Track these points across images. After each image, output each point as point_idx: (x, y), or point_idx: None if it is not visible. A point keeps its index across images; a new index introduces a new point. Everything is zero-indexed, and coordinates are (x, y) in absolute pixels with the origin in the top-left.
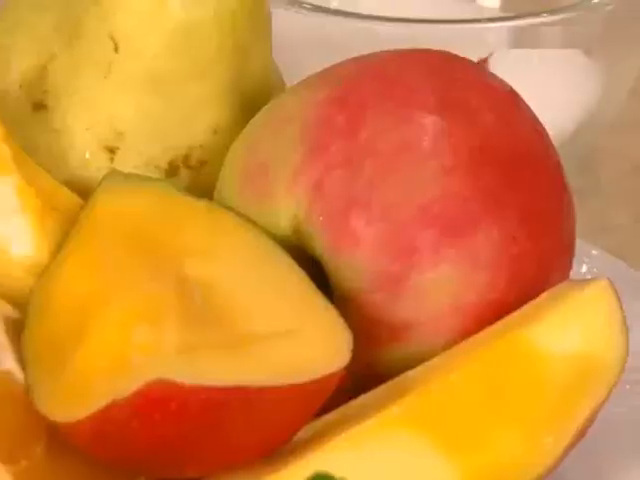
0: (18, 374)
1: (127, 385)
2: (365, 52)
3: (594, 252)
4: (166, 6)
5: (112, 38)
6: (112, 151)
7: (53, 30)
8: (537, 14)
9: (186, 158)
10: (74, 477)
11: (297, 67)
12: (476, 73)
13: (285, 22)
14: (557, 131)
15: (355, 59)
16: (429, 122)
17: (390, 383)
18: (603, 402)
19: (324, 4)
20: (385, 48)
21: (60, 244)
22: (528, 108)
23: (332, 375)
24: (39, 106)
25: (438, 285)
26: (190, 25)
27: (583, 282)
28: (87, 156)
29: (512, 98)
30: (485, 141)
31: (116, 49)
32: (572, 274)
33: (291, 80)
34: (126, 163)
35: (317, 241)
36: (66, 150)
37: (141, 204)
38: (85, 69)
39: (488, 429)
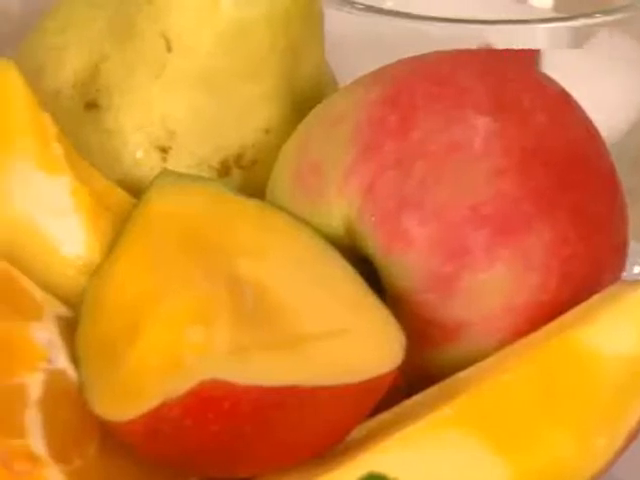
0: (71, 373)
1: (180, 384)
2: (417, 52)
3: None
4: (219, 5)
5: (165, 37)
6: (164, 150)
7: (106, 29)
8: (590, 14)
9: (238, 158)
10: (126, 477)
11: (349, 67)
12: (528, 74)
13: (337, 22)
14: (610, 132)
15: (407, 59)
16: (481, 123)
17: (442, 384)
18: None
19: (376, 4)
20: (437, 48)
21: (112, 243)
22: (580, 109)
23: (385, 375)
24: (92, 105)
25: (490, 286)
26: (243, 24)
27: (636, 283)
28: (139, 155)
29: (564, 99)
30: (537, 142)
31: (169, 48)
32: (625, 275)
33: (343, 80)
34: (178, 163)
35: (369, 241)
36: (119, 149)
37: (193, 204)
38: (137, 68)
39: (540, 430)
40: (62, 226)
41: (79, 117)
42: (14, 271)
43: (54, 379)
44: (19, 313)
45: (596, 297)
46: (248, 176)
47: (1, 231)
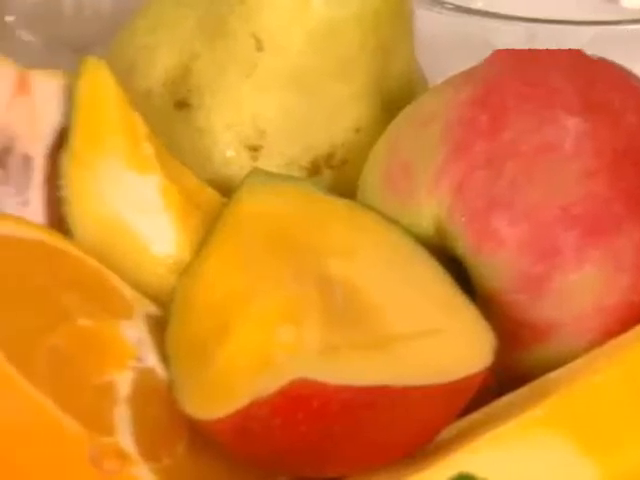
0: (160, 372)
1: (269, 384)
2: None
3: None
4: (310, 5)
5: (256, 37)
6: (255, 149)
7: (196, 29)
8: None
9: (328, 157)
10: (214, 476)
11: (439, 67)
12: (618, 74)
13: (427, 22)
14: None
15: (497, 59)
16: (572, 124)
17: (532, 384)
18: None
19: (466, 4)
20: (527, 48)
21: (202, 242)
22: None
23: (475, 375)
24: (182, 104)
25: (581, 286)
26: (333, 24)
27: None
28: (230, 154)
29: None
30: (628, 143)
31: (259, 48)
32: None
33: (433, 80)
34: (269, 162)
35: (459, 241)
36: (209, 148)
37: (283, 203)
38: (228, 68)
39: (630, 431)
40: (152, 224)
41: (169, 116)
42: (105, 270)
43: (143, 377)
44: (109, 312)
45: None
46: (338, 176)
47: (92, 230)
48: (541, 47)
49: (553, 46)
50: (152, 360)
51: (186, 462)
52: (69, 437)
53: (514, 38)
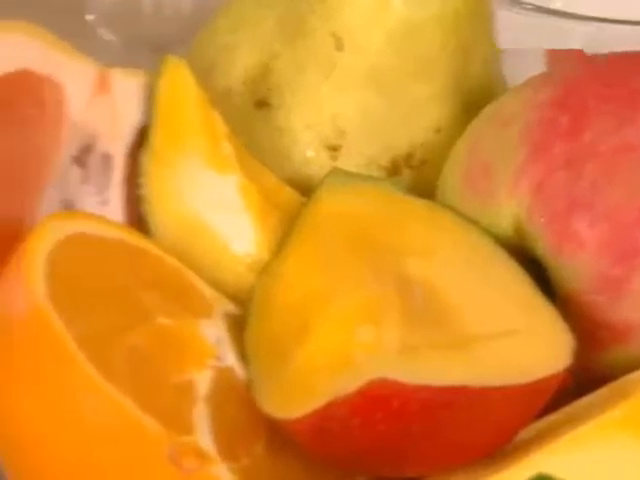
0: (239, 371)
1: (349, 383)
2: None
3: None
4: (390, 5)
5: (335, 36)
6: (334, 149)
7: (276, 28)
8: None
9: (408, 157)
10: (292, 475)
11: (519, 68)
12: None
13: (507, 23)
14: None
15: (577, 60)
16: None
17: (611, 385)
18: None
19: (545, 4)
20: (607, 50)
21: (281, 242)
22: None
23: (554, 376)
24: (262, 104)
25: None
26: (413, 24)
27: None
28: (309, 154)
29: None
30: None
31: (339, 47)
32: None
33: (513, 81)
34: (348, 162)
35: (539, 242)
36: (289, 148)
37: (363, 203)
38: (308, 67)
39: None
40: (231, 223)
41: (249, 115)
42: (184, 268)
43: (222, 376)
44: (189, 311)
45: None
46: (417, 176)
47: (171, 228)
48: (619, 48)
49: (633, 47)
50: (231, 359)
51: (264, 462)
52: (148, 436)
53: (592, 38)
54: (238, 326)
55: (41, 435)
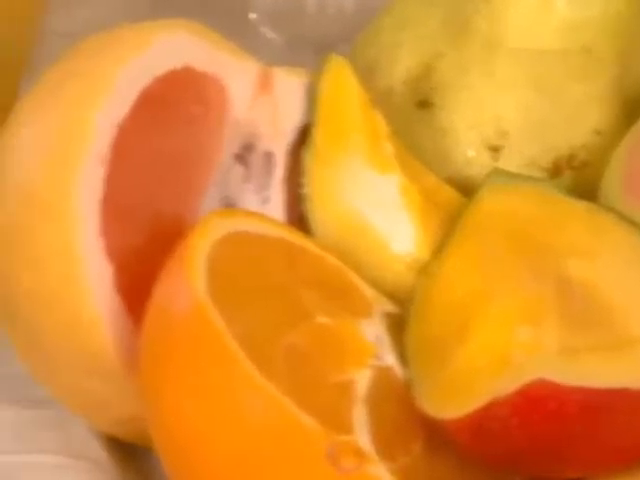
0: (397, 370)
1: (509, 384)
2: None
3: None
4: (554, 5)
5: (499, 37)
6: (496, 150)
7: (440, 27)
8: None
9: (570, 159)
10: (449, 476)
11: None
12: None
13: None
14: None
15: None
16: None
17: None
18: None
19: None
20: None
21: (442, 242)
22: None
23: None
24: (425, 103)
25: None
26: (576, 25)
27: None
28: (471, 154)
29: None
30: None
31: (503, 47)
32: None
33: None
34: (510, 162)
35: None
36: (450, 148)
37: (524, 203)
38: (471, 67)
39: None
40: (392, 223)
41: (410, 114)
42: (344, 267)
43: (381, 376)
44: (349, 310)
45: None
46: (579, 177)
47: (332, 227)
48: None
49: None
50: (390, 358)
51: (422, 462)
52: (307, 435)
53: None
54: (397, 326)
55: (201, 432)
